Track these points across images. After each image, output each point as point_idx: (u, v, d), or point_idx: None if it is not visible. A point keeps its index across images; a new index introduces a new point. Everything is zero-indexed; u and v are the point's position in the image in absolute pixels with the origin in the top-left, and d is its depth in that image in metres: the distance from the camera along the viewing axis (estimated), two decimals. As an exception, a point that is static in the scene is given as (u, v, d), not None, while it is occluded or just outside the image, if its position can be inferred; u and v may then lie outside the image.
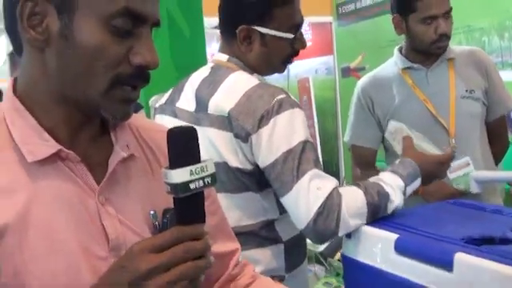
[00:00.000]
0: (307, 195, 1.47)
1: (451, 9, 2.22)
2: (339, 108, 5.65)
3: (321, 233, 1.47)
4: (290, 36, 1.70)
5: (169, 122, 1.76)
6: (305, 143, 1.52)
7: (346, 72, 5.45)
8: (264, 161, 1.54)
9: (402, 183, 1.59)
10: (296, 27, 1.72)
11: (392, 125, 1.97)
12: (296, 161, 1.50)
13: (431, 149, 1.79)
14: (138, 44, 0.94)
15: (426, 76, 2.29)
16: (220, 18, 1.76)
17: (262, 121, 1.53)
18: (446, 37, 2.22)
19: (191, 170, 0.86)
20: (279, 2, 1.66)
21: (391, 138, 1.95)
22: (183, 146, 0.88)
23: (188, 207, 0.88)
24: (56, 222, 0.92)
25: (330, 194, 1.47)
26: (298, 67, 5.77)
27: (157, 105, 1.91)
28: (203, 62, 3.47)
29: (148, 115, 2.85)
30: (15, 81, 1.00)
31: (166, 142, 0.87)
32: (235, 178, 1.62)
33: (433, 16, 2.19)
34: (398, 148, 1.87)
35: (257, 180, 1.61)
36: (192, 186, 0.86)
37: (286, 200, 1.53)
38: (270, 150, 1.52)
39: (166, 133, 0.88)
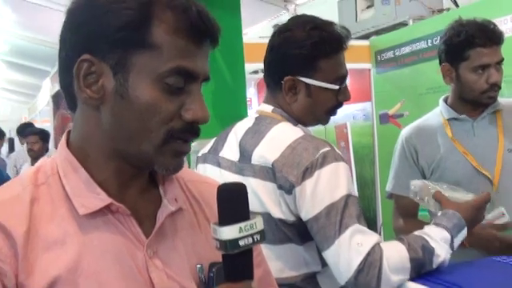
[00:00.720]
0: (348, 251, 1.46)
1: (503, 59, 2.18)
2: (377, 154, 5.59)
3: None
4: (336, 87, 1.70)
5: (212, 172, 1.78)
6: (348, 197, 1.51)
7: (384, 119, 5.40)
8: (307, 213, 1.53)
9: (448, 236, 1.57)
10: (341, 79, 1.72)
11: (414, 184, 1.93)
12: (339, 215, 1.49)
13: (463, 196, 1.76)
14: (190, 100, 0.97)
15: (472, 127, 2.25)
16: (265, 69, 1.78)
17: (306, 173, 1.53)
18: (497, 87, 2.17)
19: (241, 227, 0.86)
20: (325, 54, 1.67)
21: (416, 197, 1.91)
22: (233, 202, 0.88)
23: (237, 264, 0.88)
24: (105, 274, 0.93)
25: (372, 250, 1.46)
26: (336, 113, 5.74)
27: (199, 153, 1.92)
28: (243, 108, 3.51)
29: (189, 161, 2.87)
30: (69, 134, 1.03)
31: (216, 198, 0.88)
32: (277, 229, 1.61)
33: (485, 65, 2.14)
34: (428, 204, 1.84)
35: (299, 232, 1.60)
36: (241, 242, 0.86)
37: (327, 254, 1.51)
38: (314, 202, 1.51)
39: (216, 189, 0.89)
